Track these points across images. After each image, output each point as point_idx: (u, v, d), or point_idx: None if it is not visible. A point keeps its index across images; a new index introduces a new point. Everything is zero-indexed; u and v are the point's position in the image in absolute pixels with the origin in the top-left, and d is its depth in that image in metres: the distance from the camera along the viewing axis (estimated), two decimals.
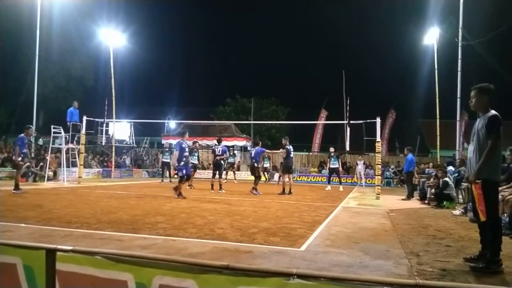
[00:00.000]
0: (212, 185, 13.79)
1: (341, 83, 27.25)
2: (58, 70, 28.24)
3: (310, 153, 29.93)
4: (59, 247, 2.32)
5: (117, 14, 29.85)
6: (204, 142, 26.20)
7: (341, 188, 16.72)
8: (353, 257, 4.48)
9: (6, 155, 19.17)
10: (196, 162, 16.13)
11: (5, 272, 2.38)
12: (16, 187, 10.97)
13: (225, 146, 15.12)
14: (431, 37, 21.02)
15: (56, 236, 5.16)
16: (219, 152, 13.82)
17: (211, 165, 14.90)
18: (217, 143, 14.47)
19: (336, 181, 17.58)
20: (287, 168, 13.99)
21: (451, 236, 6.18)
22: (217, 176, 13.93)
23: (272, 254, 4.52)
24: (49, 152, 17.28)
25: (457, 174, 12.08)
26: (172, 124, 31.79)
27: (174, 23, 70.21)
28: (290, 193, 13.23)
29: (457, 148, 19.48)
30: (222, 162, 14.01)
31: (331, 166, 17.50)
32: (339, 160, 17.94)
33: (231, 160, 15.93)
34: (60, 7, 22.80)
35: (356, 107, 24.69)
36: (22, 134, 11.61)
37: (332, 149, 17.97)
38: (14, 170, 12.93)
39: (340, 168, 18.50)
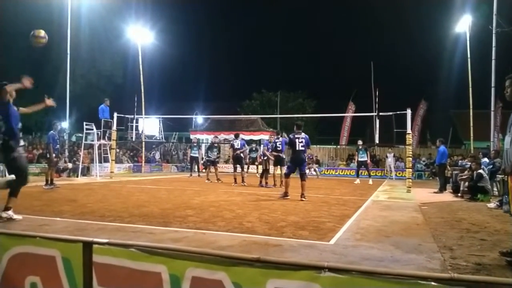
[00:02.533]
0: (235, 179, 14.01)
1: (369, 75, 26.85)
2: (89, 68, 28.94)
3: (338, 146, 29.64)
4: (96, 240, 2.40)
5: (145, 11, 30.27)
6: (231, 136, 26.32)
7: (370, 182, 16.49)
8: (384, 251, 4.42)
9: (41, 151, 19.89)
10: (215, 157, 16.09)
11: (45, 264, 2.49)
12: (47, 182, 11.36)
13: (243, 139, 15.19)
14: (464, 24, 20.29)
15: (90, 229, 5.33)
16: (237, 146, 14.09)
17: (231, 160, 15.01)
18: (234, 138, 14.65)
19: (365, 174, 17.33)
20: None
21: (486, 229, 6.01)
22: (238, 169, 14.18)
23: (301, 247, 4.52)
24: (82, 148, 17.82)
25: (491, 166, 11.71)
26: (199, 119, 32.10)
27: (200, 19, 70.73)
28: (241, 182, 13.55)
29: (491, 139, 18.84)
30: (242, 155, 14.18)
31: (360, 159, 17.24)
32: (368, 153, 17.66)
33: (253, 155, 16.04)
34: (89, 6, 23.33)
35: (385, 99, 24.26)
36: (52, 131, 12.05)
37: (360, 142, 17.71)
38: (45, 166, 14.12)
39: (369, 161, 18.22)
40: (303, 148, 9.34)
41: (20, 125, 5.87)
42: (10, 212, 5.75)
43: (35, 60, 26.44)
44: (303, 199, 9.25)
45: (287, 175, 9.72)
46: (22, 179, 5.78)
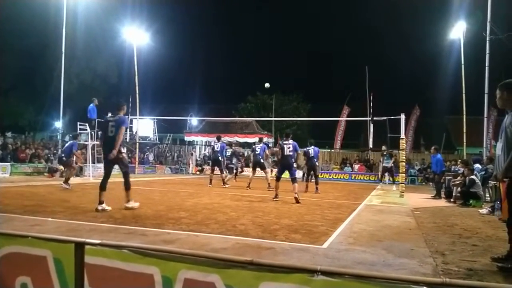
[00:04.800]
0: (210, 180, 14.26)
1: (364, 79, 26.98)
2: (83, 68, 28.83)
3: (332, 150, 29.71)
4: (88, 240, 2.38)
5: (141, 12, 30.26)
6: (225, 138, 26.32)
7: (394, 188, 16.15)
8: (377, 255, 4.43)
9: (34, 151, 19.74)
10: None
11: (36, 264, 2.46)
12: (66, 181, 11.69)
13: (224, 143, 15.47)
14: (458, 31, 20.42)
15: (82, 230, 5.29)
16: (217, 148, 14.41)
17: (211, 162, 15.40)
18: (216, 140, 14.95)
19: (387, 180, 17.40)
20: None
21: (477, 235, 6.05)
22: (216, 172, 14.59)
23: (294, 251, 4.53)
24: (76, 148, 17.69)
25: (484, 172, 11.79)
26: (194, 121, 32.05)
27: (196, 21, 70.69)
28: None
29: (484, 146, 18.97)
30: (220, 159, 14.48)
31: (385, 165, 17.16)
32: (393, 158, 17.32)
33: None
34: (85, 6, 23.24)
35: (380, 103, 24.36)
36: (75, 140, 13.41)
37: (384, 148, 17.68)
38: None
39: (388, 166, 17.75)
40: (291, 153, 9.94)
41: (126, 124, 7.41)
42: (131, 203, 7.35)
43: (31, 58, 26.34)
44: (298, 202, 9.38)
45: (277, 179, 10.24)
46: (126, 175, 7.49)
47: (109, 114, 7.57)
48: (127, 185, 7.45)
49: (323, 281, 1.87)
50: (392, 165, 16.99)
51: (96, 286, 2.34)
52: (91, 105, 17.41)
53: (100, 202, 7.11)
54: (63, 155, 12.89)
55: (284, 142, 10.12)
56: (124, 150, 7.47)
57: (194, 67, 67.40)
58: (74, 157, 13.38)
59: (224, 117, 28.45)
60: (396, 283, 1.78)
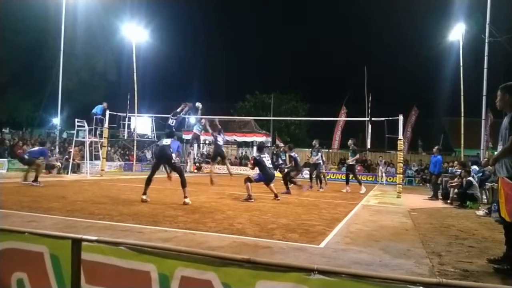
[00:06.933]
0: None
1: (363, 80, 26.99)
2: (82, 65, 28.66)
3: (330, 150, 29.71)
4: (85, 237, 2.38)
5: (140, 9, 30.11)
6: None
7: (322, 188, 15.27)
8: (373, 256, 4.44)
9: (31, 147, 19.68)
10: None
11: (33, 260, 2.46)
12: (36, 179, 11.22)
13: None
14: (457, 33, 20.44)
15: (79, 227, 5.28)
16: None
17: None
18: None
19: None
20: None
21: (474, 236, 6.07)
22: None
23: (291, 250, 4.53)
24: (73, 145, 17.66)
25: (481, 174, 11.82)
26: (192, 119, 31.97)
27: (195, 19, 70.57)
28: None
29: (481, 148, 18.99)
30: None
31: (314, 161, 15.71)
32: (319, 154, 16.12)
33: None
34: (84, 2, 23.17)
35: (378, 104, 24.35)
36: (45, 148, 13.14)
37: (315, 142, 16.28)
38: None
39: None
40: (271, 165, 10.36)
41: (180, 148, 9.19)
42: (187, 200, 8.16)
43: (30, 54, 26.21)
44: (277, 198, 9.90)
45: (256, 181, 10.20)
46: (182, 175, 8.47)
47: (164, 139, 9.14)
48: (182, 183, 8.35)
49: (320, 280, 1.87)
50: (320, 162, 15.54)
51: (92, 282, 2.34)
52: (100, 106, 17.63)
53: (144, 193, 8.34)
54: (26, 155, 12.06)
55: (262, 156, 10.04)
56: (176, 158, 8.85)
57: (193, 65, 67.29)
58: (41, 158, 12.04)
59: (222, 115, 28.35)
60: (392, 283, 1.78)
